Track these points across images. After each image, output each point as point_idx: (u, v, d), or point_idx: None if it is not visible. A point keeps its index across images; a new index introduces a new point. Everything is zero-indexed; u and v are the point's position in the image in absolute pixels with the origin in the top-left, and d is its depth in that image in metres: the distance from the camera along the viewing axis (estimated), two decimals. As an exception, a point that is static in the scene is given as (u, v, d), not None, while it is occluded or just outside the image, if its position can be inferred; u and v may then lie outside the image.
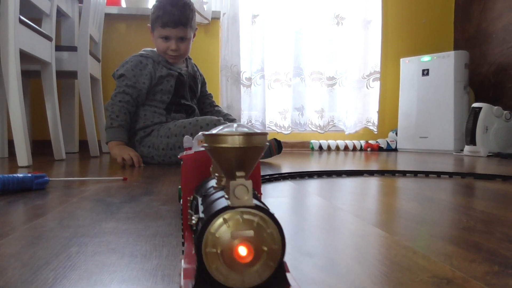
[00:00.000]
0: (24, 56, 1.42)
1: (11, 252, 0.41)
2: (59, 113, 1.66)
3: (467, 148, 2.19)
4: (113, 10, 2.35)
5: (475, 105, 2.18)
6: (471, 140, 2.16)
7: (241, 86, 2.37)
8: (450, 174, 1.16)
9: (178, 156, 0.43)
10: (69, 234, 0.48)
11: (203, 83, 1.76)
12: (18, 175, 0.78)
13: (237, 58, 2.35)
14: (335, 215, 0.62)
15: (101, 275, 0.34)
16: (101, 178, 0.97)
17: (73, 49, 1.85)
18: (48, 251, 0.41)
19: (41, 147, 2.23)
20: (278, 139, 1.69)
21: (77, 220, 0.55)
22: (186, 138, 0.52)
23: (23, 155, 1.33)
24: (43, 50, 1.57)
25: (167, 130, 1.47)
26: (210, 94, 1.80)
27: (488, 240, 0.48)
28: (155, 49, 1.61)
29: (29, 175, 0.80)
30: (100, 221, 0.54)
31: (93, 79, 2.02)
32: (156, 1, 1.57)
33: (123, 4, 2.47)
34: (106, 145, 1.56)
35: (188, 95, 1.63)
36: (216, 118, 1.47)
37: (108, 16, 2.29)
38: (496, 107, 2.14)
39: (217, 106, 1.80)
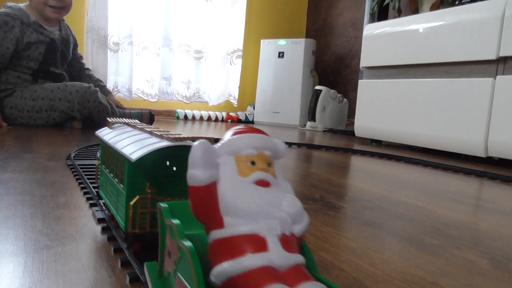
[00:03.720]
0: None
1: None
2: None
3: (308, 124, 2.59)
4: None
5: (317, 87, 2.58)
6: (312, 117, 2.56)
7: (108, 50, 2.35)
8: (290, 144, 1.45)
9: None
10: (-27, 182, 0.55)
11: (75, 46, 1.70)
12: None
13: (105, 22, 2.31)
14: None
15: (24, 208, 0.46)
16: (-33, 137, 0.97)
17: None
18: (-37, 193, 0.49)
19: None
20: (147, 108, 1.79)
21: (-30, 172, 0.61)
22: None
23: None
24: None
25: (32, 92, 1.43)
26: (80, 56, 1.75)
27: (300, 187, 0.71)
28: (22, 5, 1.47)
29: None
30: (-6, 173, 0.62)
31: None
32: None
33: None
34: None
35: (58, 62, 1.55)
36: (87, 84, 1.47)
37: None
38: (332, 90, 2.57)
39: (88, 69, 1.77)
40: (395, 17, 1.91)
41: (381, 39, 1.77)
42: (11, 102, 1.43)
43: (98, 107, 1.46)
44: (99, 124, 1.46)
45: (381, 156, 1.33)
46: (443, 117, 1.44)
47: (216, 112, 2.75)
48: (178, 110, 2.65)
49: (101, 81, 1.78)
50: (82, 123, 1.49)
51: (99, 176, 0.42)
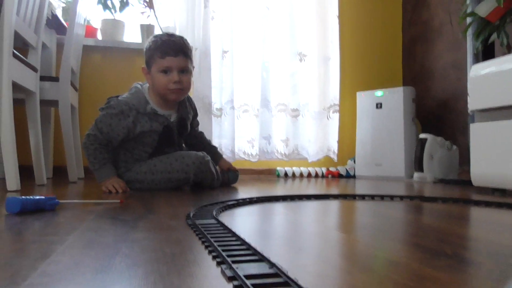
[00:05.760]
0: (13, 86, 1.50)
1: (75, 252, 0.53)
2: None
3: (416, 175, 2.44)
4: (90, 42, 2.46)
5: (421, 135, 2.45)
6: (419, 167, 2.41)
7: (212, 116, 2.52)
8: (401, 197, 1.36)
9: None
10: (112, 240, 0.61)
11: (195, 116, 1.76)
12: (34, 197, 0.89)
13: (209, 90, 2.51)
14: (327, 234, 0.78)
15: (159, 265, 0.48)
16: (101, 201, 1.08)
17: (55, 79, 1.94)
18: (107, 251, 0.54)
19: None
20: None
21: (109, 231, 0.67)
22: None
23: (12, 180, 1.40)
24: (29, 80, 1.66)
25: (151, 166, 1.52)
26: (197, 124, 1.82)
27: (427, 241, 0.65)
28: (146, 90, 1.56)
29: (43, 197, 0.90)
30: (128, 232, 0.67)
31: (71, 107, 2.11)
32: (152, 38, 1.55)
33: (99, 37, 2.59)
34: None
35: (175, 141, 1.63)
36: (201, 154, 1.56)
37: (85, 47, 2.40)
38: (439, 137, 2.42)
39: (201, 133, 1.85)
40: (503, 53, 1.78)
41: (492, 79, 1.64)
42: (131, 177, 1.54)
43: (210, 176, 1.56)
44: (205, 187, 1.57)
45: (510, 206, 1.18)
46: None
47: (315, 168, 2.73)
48: (278, 168, 2.69)
49: (214, 146, 1.88)
50: (190, 186, 1.59)
51: None
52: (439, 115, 2.73)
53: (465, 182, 2.04)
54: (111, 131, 1.47)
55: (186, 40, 1.56)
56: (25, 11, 1.57)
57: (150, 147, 1.55)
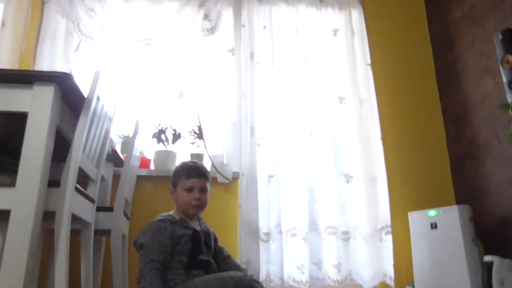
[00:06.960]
0: (72, 218, 1.56)
1: None
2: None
3: (488, 303, 2.17)
4: (143, 172, 2.61)
5: (486, 258, 2.24)
6: (490, 294, 2.16)
7: (260, 241, 2.47)
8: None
9: None
10: None
11: (215, 240, 1.83)
12: None
13: (256, 215, 2.51)
14: None
15: None
16: None
17: (110, 209, 2.02)
18: None
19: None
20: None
21: None
22: None
23: (61, 316, 1.37)
24: (87, 212, 1.73)
25: (193, 287, 1.52)
26: (222, 248, 1.85)
27: None
28: (170, 213, 1.74)
29: None
30: None
31: (122, 236, 2.14)
32: (180, 164, 1.82)
33: (152, 167, 2.74)
34: None
35: (204, 250, 1.69)
36: (241, 274, 1.56)
37: (138, 177, 2.53)
38: (507, 259, 2.20)
39: (231, 258, 1.84)
40: None
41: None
42: None
43: None
44: None
45: None
46: None
47: (372, 296, 2.51)
48: (331, 296, 2.50)
49: (242, 267, 1.82)
50: None
51: None
52: (501, 234, 2.54)
53: (550, 313, 1.78)
54: (162, 245, 1.57)
55: (206, 168, 1.81)
56: (90, 149, 1.72)
57: (185, 254, 1.62)
